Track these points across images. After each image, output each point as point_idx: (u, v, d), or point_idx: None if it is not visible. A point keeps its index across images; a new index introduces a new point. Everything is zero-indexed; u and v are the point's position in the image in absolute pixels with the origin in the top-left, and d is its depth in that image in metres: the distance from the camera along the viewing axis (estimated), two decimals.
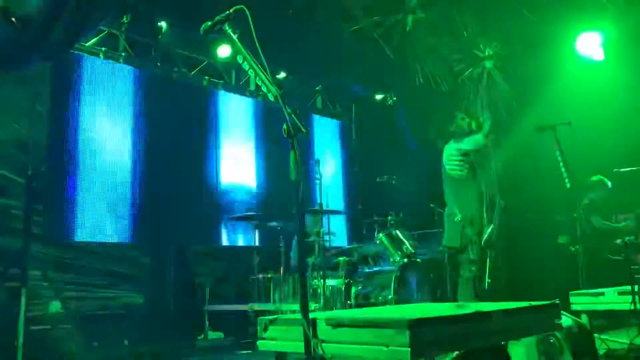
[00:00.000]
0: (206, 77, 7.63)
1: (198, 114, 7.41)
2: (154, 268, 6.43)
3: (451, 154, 4.44)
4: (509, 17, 7.53)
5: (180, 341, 5.33)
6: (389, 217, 6.26)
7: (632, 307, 3.28)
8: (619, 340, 3.51)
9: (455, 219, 4.09)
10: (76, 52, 6.21)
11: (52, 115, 5.92)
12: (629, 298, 3.30)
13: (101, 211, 6.11)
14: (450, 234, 4.24)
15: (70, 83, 6.14)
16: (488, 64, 8.11)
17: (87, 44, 6.44)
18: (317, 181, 5.83)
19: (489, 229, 4.10)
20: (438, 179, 7.99)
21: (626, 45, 7.43)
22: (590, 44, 7.78)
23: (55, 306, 5.24)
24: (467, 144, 4.40)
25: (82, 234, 5.92)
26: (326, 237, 5.96)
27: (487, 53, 8.10)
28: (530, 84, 7.80)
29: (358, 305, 5.42)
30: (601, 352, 3.28)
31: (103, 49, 6.55)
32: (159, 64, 7.09)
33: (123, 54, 6.73)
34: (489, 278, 3.80)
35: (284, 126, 2.21)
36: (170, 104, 6.98)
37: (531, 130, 5.07)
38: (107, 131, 6.40)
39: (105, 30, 6.58)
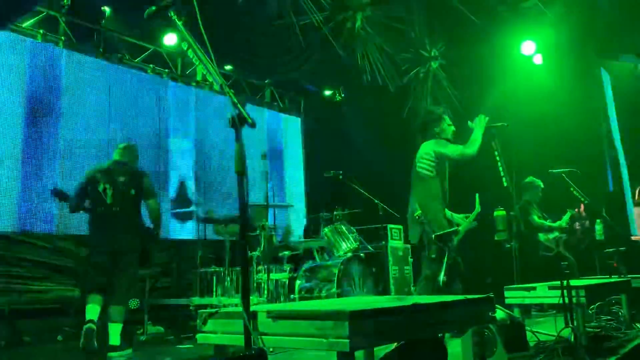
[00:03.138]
0: (151, 66, 7.43)
1: (143, 102, 7.21)
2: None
3: (427, 153, 4.33)
4: (455, 20, 7.74)
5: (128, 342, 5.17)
6: (335, 212, 6.31)
7: (561, 301, 3.43)
8: (547, 332, 3.68)
9: (415, 214, 4.12)
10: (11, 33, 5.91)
11: None
12: (558, 292, 3.45)
13: (35, 200, 5.85)
14: (411, 231, 4.29)
15: None
16: (434, 65, 8.32)
17: (24, 25, 6.13)
18: (264, 175, 5.80)
19: (451, 230, 4.12)
20: (384, 175, 8.16)
21: (564, 51, 7.79)
22: (530, 49, 8.14)
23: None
24: (452, 152, 4.26)
25: (12, 223, 5.66)
26: (272, 232, 5.94)
27: (433, 53, 8.30)
28: (474, 85, 8.04)
29: (302, 299, 5.44)
30: (531, 343, 3.43)
31: (41, 31, 6.26)
32: (101, 49, 6.84)
33: (63, 37, 6.45)
34: (444, 276, 3.84)
35: (229, 116, 2.17)
36: (112, 91, 6.77)
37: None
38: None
39: (44, 12, 6.29)
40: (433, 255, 4.02)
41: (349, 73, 7.94)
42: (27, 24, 6.17)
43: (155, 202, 4.81)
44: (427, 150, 4.32)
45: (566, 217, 6.58)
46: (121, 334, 4.44)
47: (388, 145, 8.38)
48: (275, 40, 7.01)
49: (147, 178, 4.85)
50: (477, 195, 4.28)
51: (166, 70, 7.63)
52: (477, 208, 4.28)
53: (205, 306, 5.33)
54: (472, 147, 4.17)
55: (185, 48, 2.29)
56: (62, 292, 5.89)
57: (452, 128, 4.45)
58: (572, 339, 3.34)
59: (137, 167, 4.91)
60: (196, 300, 5.69)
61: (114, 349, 4.37)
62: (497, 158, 4.24)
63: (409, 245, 7.36)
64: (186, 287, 6.81)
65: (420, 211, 4.12)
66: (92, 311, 4.34)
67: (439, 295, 3.78)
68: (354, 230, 6.12)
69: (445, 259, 3.93)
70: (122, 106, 6.90)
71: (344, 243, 5.88)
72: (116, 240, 4.54)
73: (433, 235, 4.02)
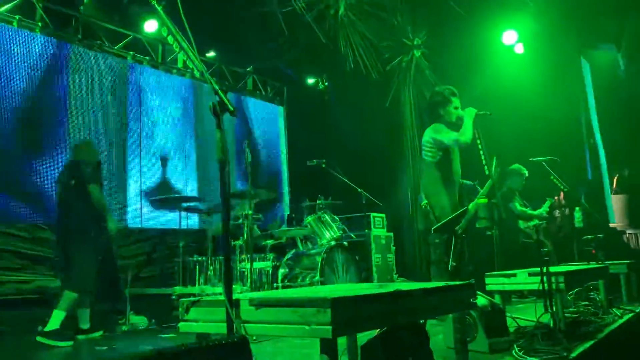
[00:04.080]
0: (131, 53, 7.31)
1: (121, 90, 7.10)
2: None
3: (427, 140, 4.38)
4: (437, 9, 7.74)
5: (100, 326, 5.14)
6: (318, 201, 6.31)
7: (541, 287, 3.48)
8: (527, 318, 3.74)
9: (422, 203, 4.18)
10: None
11: None
12: (538, 279, 3.50)
13: (12, 191, 5.76)
14: (420, 217, 4.38)
15: None
16: (416, 53, 8.32)
17: None
18: (247, 163, 5.76)
19: (453, 216, 4.12)
20: (367, 164, 8.17)
21: (545, 40, 7.85)
22: (512, 39, 8.19)
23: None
24: (447, 139, 4.26)
25: None
26: (254, 221, 5.92)
27: (415, 42, 8.30)
28: (456, 74, 8.06)
29: (285, 287, 5.44)
30: (511, 329, 3.48)
31: (17, 16, 6.11)
32: (79, 36, 6.71)
33: (40, 23, 6.30)
34: (453, 261, 3.85)
35: (210, 104, 2.15)
36: (90, 78, 6.65)
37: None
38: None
39: None
40: (437, 240, 4.04)
41: (332, 61, 7.91)
42: (2, 9, 6.03)
43: (94, 187, 4.89)
44: (426, 137, 4.38)
45: (546, 206, 6.67)
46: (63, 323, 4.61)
47: (371, 133, 8.39)
48: (257, 27, 6.95)
49: (85, 166, 4.93)
50: (494, 159, 4.25)
51: (147, 57, 7.52)
52: (492, 176, 4.27)
53: (187, 295, 5.30)
54: (465, 135, 4.22)
55: (165, 34, 2.26)
56: (42, 283, 5.82)
57: (458, 112, 4.37)
58: (551, 324, 3.39)
59: (79, 160, 4.98)
60: (179, 289, 5.66)
61: (46, 334, 4.52)
62: (480, 146, 4.27)
63: (391, 234, 7.40)
64: (169, 276, 6.77)
65: (426, 201, 4.19)
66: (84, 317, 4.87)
67: (450, 279, 3.76)
68: (337, 219, 6.13)
69: (452, 243, 3.90)
70: (101, 94, 6.78)
71: (327, 231, 5.89)
72: (62, 230, 4.91)
73: (432, 229, 4.02)
